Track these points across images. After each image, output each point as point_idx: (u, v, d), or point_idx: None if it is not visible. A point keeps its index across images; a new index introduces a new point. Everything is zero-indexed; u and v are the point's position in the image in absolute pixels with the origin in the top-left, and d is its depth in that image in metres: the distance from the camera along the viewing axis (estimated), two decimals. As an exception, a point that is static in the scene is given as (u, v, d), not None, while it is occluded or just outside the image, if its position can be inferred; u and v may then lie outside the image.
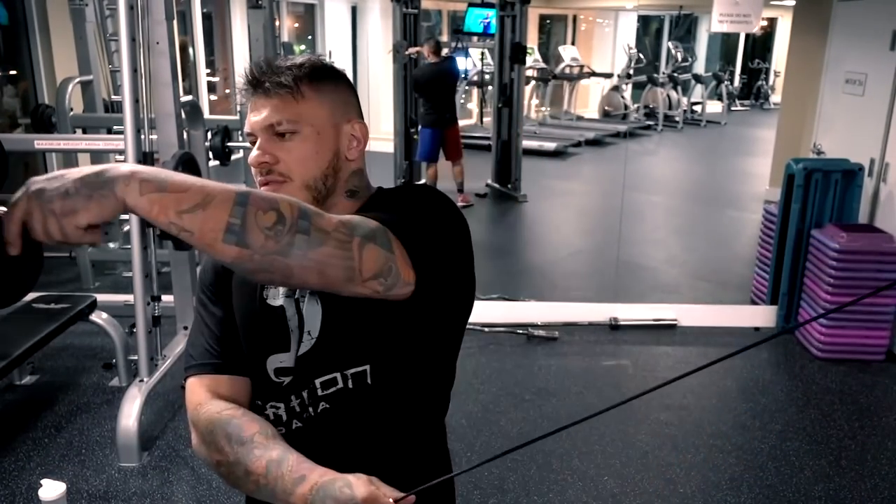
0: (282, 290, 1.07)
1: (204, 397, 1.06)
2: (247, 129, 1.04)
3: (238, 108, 4.14)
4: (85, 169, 0.80)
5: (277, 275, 0.84)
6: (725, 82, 13.11)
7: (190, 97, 4.04)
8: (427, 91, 6.59)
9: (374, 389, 1.04)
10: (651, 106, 12.05)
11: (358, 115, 1.09)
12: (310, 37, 10.94)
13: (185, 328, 3.33)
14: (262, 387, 1.09)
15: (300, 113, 1.01)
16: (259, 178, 1.03)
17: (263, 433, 0.99)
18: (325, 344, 1.04)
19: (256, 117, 1.02)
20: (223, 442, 1.00)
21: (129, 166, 0.79)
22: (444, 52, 6.85)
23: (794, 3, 7.55)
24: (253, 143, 1.04)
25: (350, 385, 1.04)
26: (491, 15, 8.24)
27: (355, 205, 1.08)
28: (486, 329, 4.00)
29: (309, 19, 10.89)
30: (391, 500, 0.85)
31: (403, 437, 1.09)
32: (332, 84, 1.06)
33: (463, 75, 8.88)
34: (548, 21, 13.91)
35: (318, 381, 1.05)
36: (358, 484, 0.86)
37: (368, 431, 1.06)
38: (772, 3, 12.21)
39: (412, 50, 6.89)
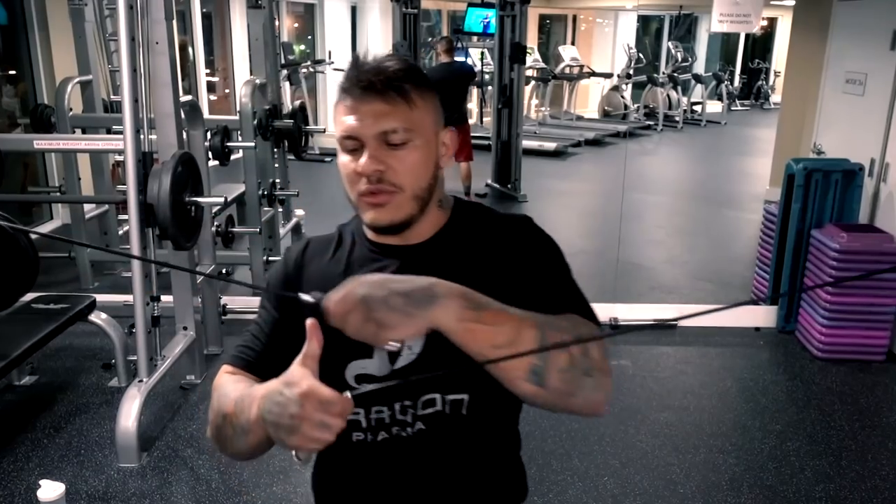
0: None
1: (224, 378, 1.08)
2: (348, 132, 0.96)
3: (238, 107, 4.12)
4: (411, 281, 0.85)
5: (557, 410, 0.93)
6: (725, 82, 13.13)
7: (190, 97, 4.03)
8: (438, 91, 6.58)
9: (467, 420, 1.03)
10: (651, 106, 12.06)
11: (444, 122, 1.06)
12: (310, 37, 10.94)
13: (185, 328, 3.33)
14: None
15: (413, 121, 0.97)
16: (365, 187, 0.97)
17: (246, 385, 1.01)
18: (427, 361, 1.01)
19: (363, 120, 0.95)
20: (214, 401, 1.02)
21: (449, 288, 0.85)
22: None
23: (794, 3, 7.54)
24: (349, 149, 0.98)
25: (447, 410, 1.03)
26: (491, 15, 8.24)
27: (444, 215, 1.07)
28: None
29: (309, 19, 10.88)
30: (333, 393, 0.83)
31: (488, 458, 1.10)
32: (431, 91, 1.03)
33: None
34: (548, 21, 13.92)
35: (420, 400, 1.03)
36: (293, 384, 0.84)
37: (457, 454, 1.06)
38: (772, 3, 12.22)
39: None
